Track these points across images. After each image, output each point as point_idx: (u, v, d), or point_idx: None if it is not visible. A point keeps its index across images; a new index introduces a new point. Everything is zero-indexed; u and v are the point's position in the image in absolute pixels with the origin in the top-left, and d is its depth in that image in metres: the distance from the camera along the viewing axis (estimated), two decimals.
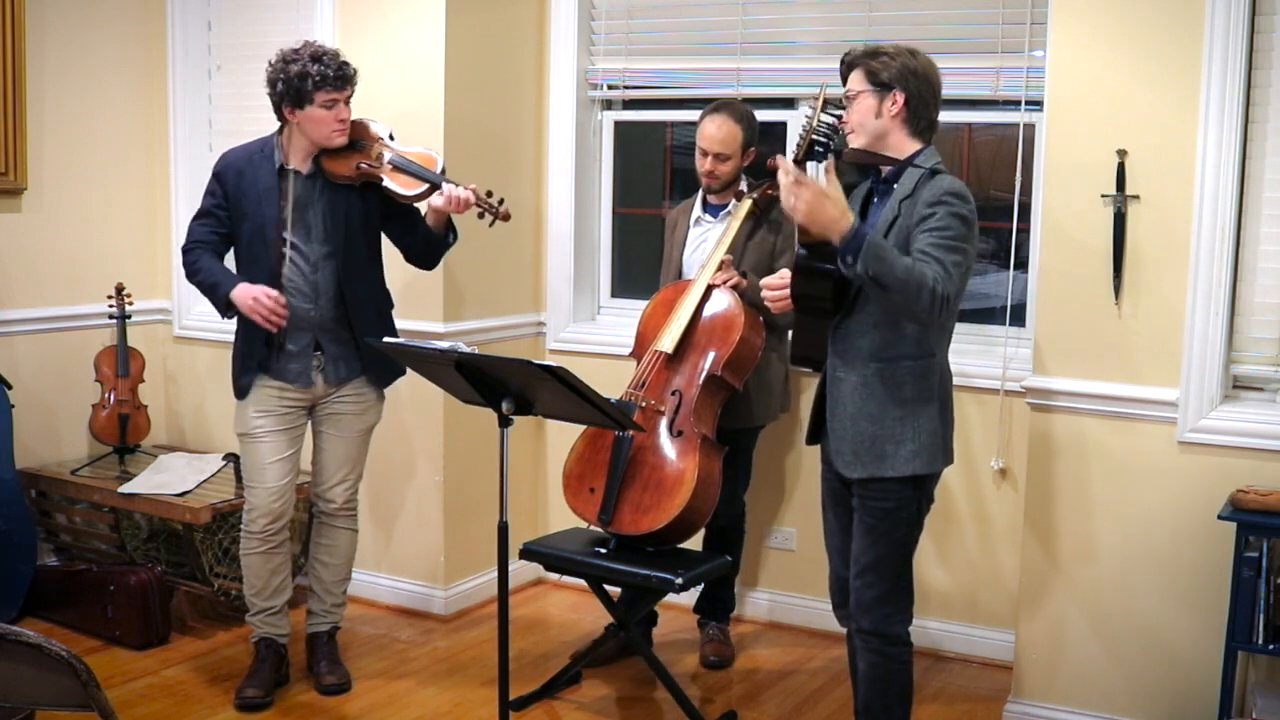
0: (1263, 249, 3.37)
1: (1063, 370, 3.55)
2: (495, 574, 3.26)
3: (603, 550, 3.71)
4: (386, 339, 3.56)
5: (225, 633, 4.34)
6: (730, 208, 4.03)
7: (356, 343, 3.78)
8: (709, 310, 3.85)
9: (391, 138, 3.81)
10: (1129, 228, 3.42)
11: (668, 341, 3.84)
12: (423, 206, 3.77)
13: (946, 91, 3.04)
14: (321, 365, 3.78)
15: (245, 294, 3.60)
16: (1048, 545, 3.62)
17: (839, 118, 2.96)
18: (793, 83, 4.42)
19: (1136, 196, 3.41)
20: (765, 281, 3.15)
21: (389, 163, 3.73)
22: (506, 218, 3.75)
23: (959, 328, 3.27)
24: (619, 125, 4.85)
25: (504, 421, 3.15)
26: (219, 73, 4.91)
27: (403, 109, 4.31)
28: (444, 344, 3.31)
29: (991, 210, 4.14)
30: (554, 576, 4.77)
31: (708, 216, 4.09)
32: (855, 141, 2.99)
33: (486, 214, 3.73)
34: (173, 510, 4.24)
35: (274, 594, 3.86)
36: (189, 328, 5.04)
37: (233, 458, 4.48)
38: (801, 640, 4.42)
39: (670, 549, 3.71)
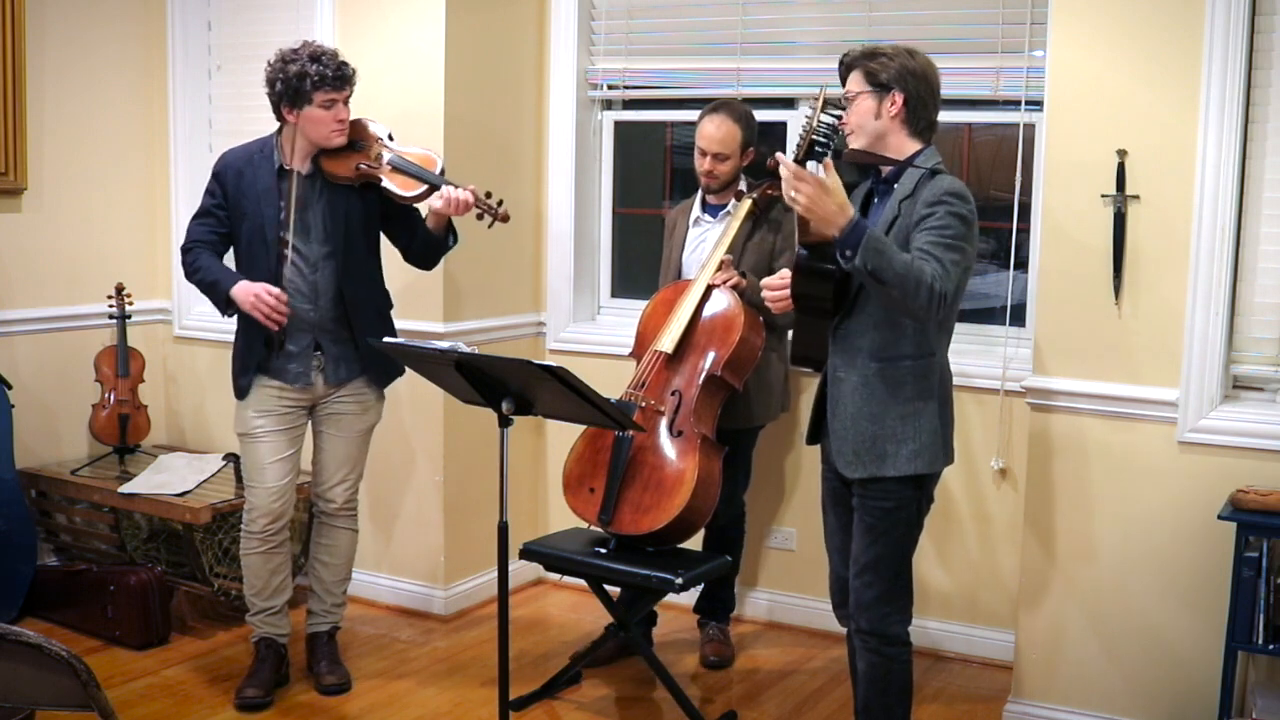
0: (1263, 249, 3.37)
1: (1063, 370, 3.55)
2: (495, 574, 3.26)
3: (603, 550, 3.71)
4: (386, 339, 3.56)
5: (225, 633, 4.34)
6: (730, 208, 4.03)
7: (356, 343, 3.78)
8: (709, 310, 3.85)
9: (391, 138, 3.80)
10: (1129, 228, 3.42)
11: (668, 341, 3.84)
12: (423, 208, 3.77)
13: (946, 91, 3.04)
14: (321, 365, 3.78)
15: (246, 291, 3.60)
16: (1047, 545, 3.62)
17: (839, 118, 2.96)
18: (793, 83, 4.42)
19: (1136, 196, 3.41)
20: (766, 282, 3.15)
21: (388, 163, 3.73)
22: (505, 219, 3.75)
23: (959, 328, 3.27)
24: (619, 125, 4.85)
25: (504, 421, 3.15)
26: (219, 73, 4.91)
27: (403, 109, 4.31)
28: (444, 344, 3.31)
29: (991, 210, 4.14)
30: (554, 576, 4.77)
31: (707, 217, 4.09)
32: (855, 142, 2.98)
33: (485, 215, 3.73)
34: (173, 510, 4.24)
35: (274, 594, 3.86)
36: (189, 328, 5.04)
37: (233, 458, 4.48)
38: (801, 640, 4.42)
39: (670, 549, 3.71)
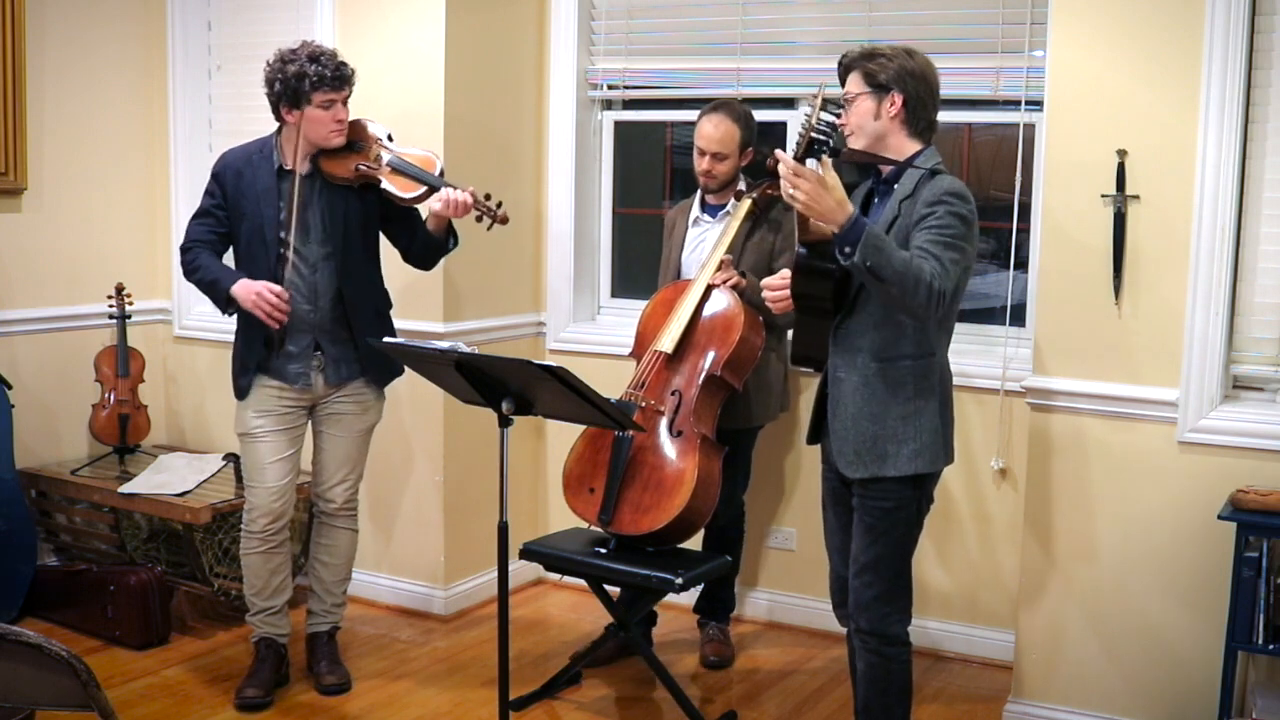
0: (1263, 249, 3.37)
1: (1063, 370, 3.55)
2: (495, 574, 3.26)
3: (603, 550, 3.71)
4: (387, 339, 3.56)
5: (225, 633, 4.34)
6: (729, 207, 4.03)
7: (356, 343, 3.78)
8: (709, 310, 3.85)
9: (390, 138, 3.80)
10: (1129, 228, 3.42)
11: (667, 341, 3.84)
12: (422, 209, 3.77)
13: (946, 91, 3.04)
14: (321, 366, 3.78)
15: (248, 289, 3.60)
16: (1047, 545, 3.62)
17: (837, 115, 2.96)
18: (793, 83, 4.42)
19: (1136, 196, 3.41)
20: (766, 282, 3.15)
21: (387, 164, 3.72)
22: (504, 221, 3.74)
23: (959, 328, 3.27)
24: (619, 125, 4.85)
25: (504, 421, 3.15)
26: (219, 73, 4.91)
27: (403, 109, 4.31)
28: (444, 344, 3.31)
29: (991, 210, 4.14)
30: (554, 576, 4.77)
31: (706, 217, 4.09)
32: (855, 144, 2.98)
33: (485, 217, 3.72)
34: (173, 510, 4.24)
35: (274, 594, 3.86)
36: (189, 328, 5.04)
37: (233, 458, 4.48)
38: (801, 640, 4.42)
39: (670, 549, 3.71)
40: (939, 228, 2.80)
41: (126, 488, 4.35)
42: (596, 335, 4.78)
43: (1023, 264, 4.08)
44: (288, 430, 3.79)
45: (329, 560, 3.96)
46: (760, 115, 4.12)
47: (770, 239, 3.98)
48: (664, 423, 3.77)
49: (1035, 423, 3.61)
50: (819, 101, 2.92)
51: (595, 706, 3.88)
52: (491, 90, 4.57)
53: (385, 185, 3.70)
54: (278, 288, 3.60)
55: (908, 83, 2.90)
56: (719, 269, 3.86)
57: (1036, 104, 3.93)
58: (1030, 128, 4.00)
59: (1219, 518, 3.22)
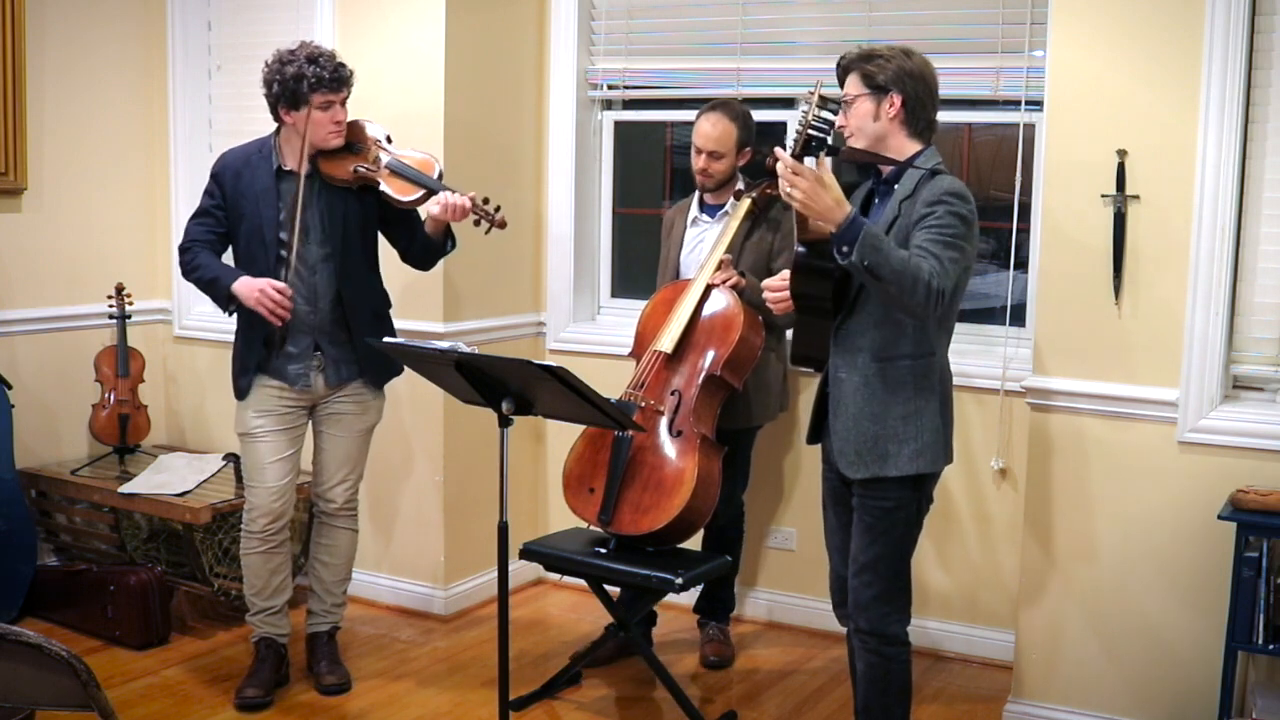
0: (1263, 249, 3.37)
1: (1062, 370, 3.55)
2: (495, 574, 3.26)
3: (603, 550, 3.71)
4: (386, 339, 3.56)
5: (225, 633, 4.34)
6: (728, 207, 4.03)
7: (355, 344, 3.78)
8: (708, 310, 3.85)
9: (389, 140, 3.80)
10: (1129, 228, 3.42)
11: (667, 341, 3.84)
12: (421, 212, 3.77)
13: (946, 91, 3.04)
14: (321, 366, 3.78)
15: (250, 286, 3.59)
16: (1047, 545, 3.62)
17: (835, 112, 2.96)
18: (792, 83, 4.42)
19: (1136, 196, 3.41)
20: (767, 283, 3.15)
21: (386, 166, 3.72)
22: (503, 225, 3.73)
23: (959, 328, 3.27)
24: (619, 125, 4.85)
25: (504, 421, 3.15)
26: (219, 73, 4.91)
27: (402, 109, 4.31)
28: (444, 344, 3.31)
29: (991, 210, 4.14)
30: (554, 576, 4.77)
31: (704, 216, 4.09)
32: (855, 144, 2.98)
33: (483, 221, 3.72)
34: (173, 510, 4.24)
35: (274, 594, 3.86)
36: (189, 328, 5.04)
37: (233, 458, 4.48)
38: (801, 640, 4.42)
39: (670, 549, 3.71)
40: (938, 227, 2.80)
41: (126, 488, 4.35)
42: (596, 335, 4.78)
43: (1023, 264, 4.08)
44: (288, 430, 3.79)
45: (329, 560, 3.96)
46: (760, 115, 4.12)
47: (769, 238, 3.98)
48: (664, 423, 3.77)
49: (1035, 423, 3.61)
50: (815, 98, 2.92)
51: (595, 706, 3.88)
52: (491, 90, 4.57)
53: (384, 188, 3.70)
54: (281, 284, 3.59)
55: (906, 83, 2.90)
56: (718, 269, 3.86)
57: (1036, 104, 3.93)
58: (1030, 128, 4.00)
59: (1219, 518, 3.22)
